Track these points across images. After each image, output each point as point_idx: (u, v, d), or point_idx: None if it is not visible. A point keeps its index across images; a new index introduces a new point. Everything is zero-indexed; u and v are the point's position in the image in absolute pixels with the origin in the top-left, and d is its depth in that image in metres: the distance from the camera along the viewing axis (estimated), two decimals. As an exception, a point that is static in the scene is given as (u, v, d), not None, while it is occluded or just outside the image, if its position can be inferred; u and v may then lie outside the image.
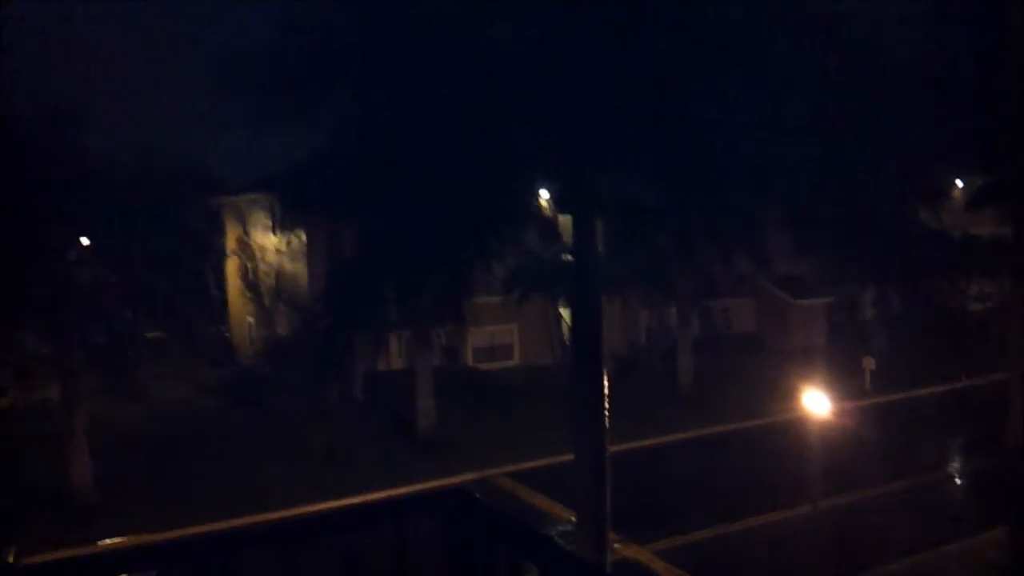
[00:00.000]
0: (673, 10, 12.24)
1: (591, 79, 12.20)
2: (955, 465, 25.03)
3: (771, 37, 12.52)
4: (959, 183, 34.82)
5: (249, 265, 37.36)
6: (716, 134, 12.37)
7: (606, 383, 15.25)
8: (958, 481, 24.13)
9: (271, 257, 36.59)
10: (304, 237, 33.69)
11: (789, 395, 21.93)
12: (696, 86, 12.46)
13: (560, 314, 34.42)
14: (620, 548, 18.29)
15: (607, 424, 15.15)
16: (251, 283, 36.90)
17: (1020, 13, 8.50)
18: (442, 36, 12.32)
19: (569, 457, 15.99)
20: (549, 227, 23.72)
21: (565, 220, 17.10)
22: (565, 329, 33.60)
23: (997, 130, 9.00)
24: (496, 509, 3.60)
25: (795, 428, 22.45)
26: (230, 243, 40.38)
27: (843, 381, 28.30)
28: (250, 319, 39.11)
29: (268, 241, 36.95)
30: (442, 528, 3.60)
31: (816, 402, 19.08)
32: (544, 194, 17.83)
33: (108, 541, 19.63)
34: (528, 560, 3.24)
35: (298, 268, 34.77)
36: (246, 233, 38.45)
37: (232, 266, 40.47)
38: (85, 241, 24.63)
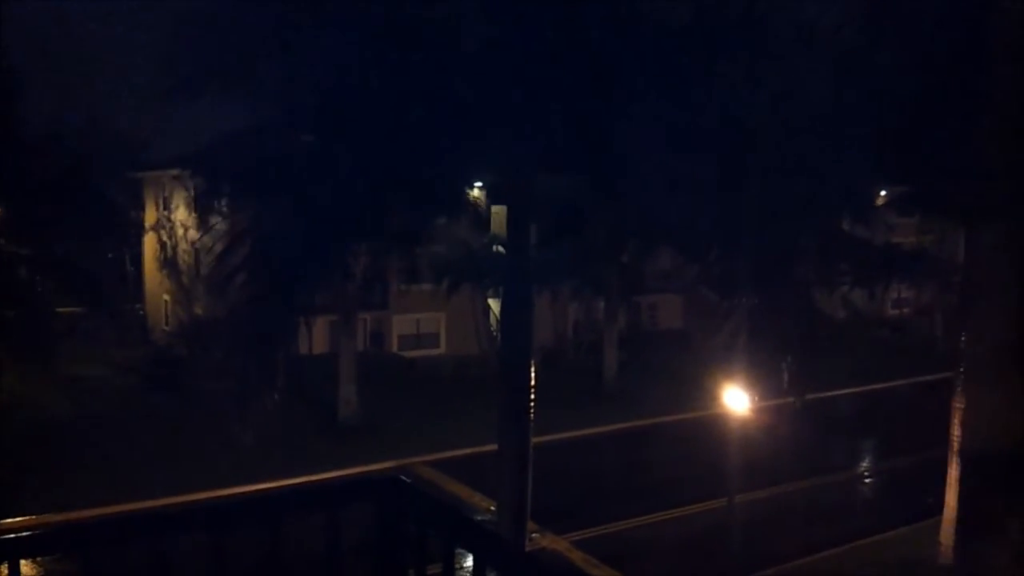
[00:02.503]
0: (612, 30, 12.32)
1: (535, 89, 12.25)
2: (866, 464, 25.81)
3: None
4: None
5: (168, 242, 36.28)
6: (634, 150, 12.47)
7: (533, 375, 15.23)
8: (868, 479, 24.88)
9: (192, 235, 35.62)
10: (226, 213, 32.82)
11: (710, 391, 22.29)
12: (618, 107, 12.54)
13: (489, 305, 34.37)
14: (538, 538, 18.36)
15: (532, 415, 15.13)
16: (169, 261, 35.85)
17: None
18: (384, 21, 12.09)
19: (490, 447, 15.93)
20: (480, 218, 23.63)
21: (496, 211, 17.03)
22: (493, 320, 33.55)
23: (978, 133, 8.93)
24: (429, 495, 3.50)
25: (714, 424, 22.82)
26: (149, 219, 39.21)
27: (763, 380, 28.83)
28: (166, 298, 38.02)
29: (190, 219, 35.96)
30: (372, 513, 3.48)
31: (736, 399, 19.37)
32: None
33: (9, 520, 18.87)
34: (461, 546, 3.14)
35: (219, 247, 33.89)
36: (167, 209, 37.36)
37: (150, 243, 39.31)
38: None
